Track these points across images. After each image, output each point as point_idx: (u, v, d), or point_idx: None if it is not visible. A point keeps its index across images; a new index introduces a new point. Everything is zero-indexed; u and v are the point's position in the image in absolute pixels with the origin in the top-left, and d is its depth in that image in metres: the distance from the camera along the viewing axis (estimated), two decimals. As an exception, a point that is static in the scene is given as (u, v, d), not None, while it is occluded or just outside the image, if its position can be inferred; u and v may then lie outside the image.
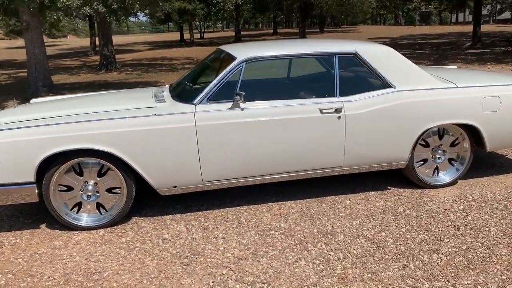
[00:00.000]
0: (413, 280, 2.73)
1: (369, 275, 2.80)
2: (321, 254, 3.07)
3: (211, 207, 3.90)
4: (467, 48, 19.33)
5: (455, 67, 5.63)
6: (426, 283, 2.70)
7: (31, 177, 3.31)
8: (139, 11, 20.91)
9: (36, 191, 3.38)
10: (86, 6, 14.95)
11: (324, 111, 3.64)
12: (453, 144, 4.08)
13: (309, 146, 3.68)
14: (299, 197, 4.02)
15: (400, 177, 4.24)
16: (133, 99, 3.97)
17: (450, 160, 4.13)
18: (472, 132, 4.01)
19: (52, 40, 55.00)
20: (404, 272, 2.82)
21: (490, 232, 3.27)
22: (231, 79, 3.62)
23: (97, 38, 22.92)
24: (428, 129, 3.87)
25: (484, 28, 29.46)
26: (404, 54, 4.06)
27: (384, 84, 3.81)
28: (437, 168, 4.12)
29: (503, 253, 2.98)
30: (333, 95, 3.73)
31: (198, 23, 37.09)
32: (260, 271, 2.88)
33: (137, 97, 4.05)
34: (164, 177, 3.54)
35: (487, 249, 3.04)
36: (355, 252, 3.08)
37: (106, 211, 3.60)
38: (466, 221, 3.45)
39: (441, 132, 4.01)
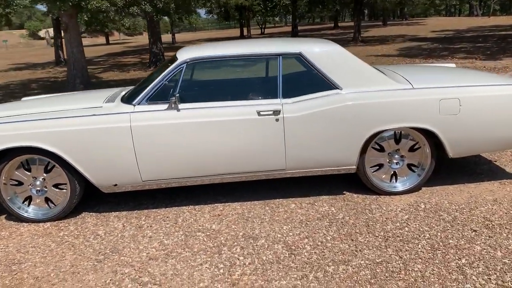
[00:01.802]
0: (303, 291, 2.64)
1: (262, 283, 2.74)
2: (230, 258, 3.05)
3: (159, 206, 3.99)
4: (535, 40, 17.73)
5: (454, 65, 5.22)
6: (314, 295, 2.60)
7: (-19, 172, 3.59)
8: (195, 9, 21.53)
9: (-11, 185, 3.65)
10: (134, 6, 15.65)
11: (262, 113, 3.58)
12: (412, 149, 3.83)
13: (247, 148, 3.63)
14: (248, 198, 4.00)
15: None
16: (88, 99, 4.14)
17: (410, 166, 3.88)
18: (432, 137, 3.73)
19: (126, 37, 58.13)
20: (298, 282, 2.72)
21: (418, 245, 3.05)
22: (172, 80, 3.67)
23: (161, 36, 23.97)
24: (378, 132, 3.66)
25: None
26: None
27: (330, 85, 3.66)
28: (395, 174, 3.89)
29: (416, 269, 2.77)
30: (276, 97, 3.66)
31: (259, 18, 37.30)
32: (159, 272, 2.92)
33: (94, 97, 4.21)
34: (104, 176, 3.67)
35: (402, 263, 2.85)
36: (264, 258, 3.02)
37: (55, 205, 3.81)
38: (400, 232, 3.24)
39: (397, 136, 3.78)
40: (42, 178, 3.74)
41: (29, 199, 3.80)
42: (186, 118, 3.56)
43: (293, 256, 3.03)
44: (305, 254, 3.04)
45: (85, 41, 55.31)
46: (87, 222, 3.75)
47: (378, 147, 3.80)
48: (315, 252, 3.05)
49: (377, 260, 2.90)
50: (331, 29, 35.85)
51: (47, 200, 3.80)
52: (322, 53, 3.73)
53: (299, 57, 3.71)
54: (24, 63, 25.79)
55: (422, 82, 3.75)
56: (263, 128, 3.60)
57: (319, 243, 3.17)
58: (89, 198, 4.14)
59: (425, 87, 3.66)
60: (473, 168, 4.40)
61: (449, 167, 4.41)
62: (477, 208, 3.54)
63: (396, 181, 3.91)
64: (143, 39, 53.69)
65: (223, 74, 4.53)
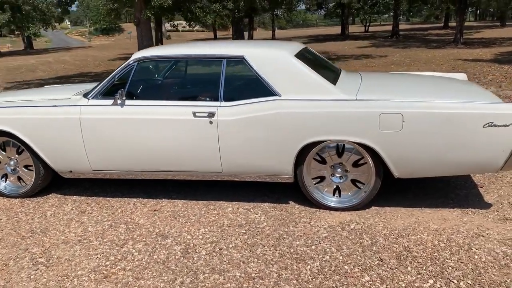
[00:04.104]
0: (158, 293, 2.67)
1: (131, 279, 2.82)
2: (126, 252, 3.17)
3: (116, 195, 4.23)
4: None
5: (464, 76, 4.65)
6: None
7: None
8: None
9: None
10: (216, 3, 16.29)
11: (197, 114, 3.62)
12: (357, 164, 3.58)
13: (183, 148, 3.70)
14: (196, 197, 4.06)
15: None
16: (65, 90, 4.52)
17: (355, 182, 3.63)
18: (375, 153, 3.45)
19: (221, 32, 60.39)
20: (162, 285, 2.76)
21: (307, 266, 2.87)
22: (124, 78, 3.88)
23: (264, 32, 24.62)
24: (314, 143, 3.48)
25: None
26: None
27: (270, 91, 3.56)
28: (338, 189, 3.67)
29: (281, 290, 2.64)
30: (216, 100, 3.67)
31: (363, 16, 36.12)
32: (58, 255, 3.16)
33: (71, 89, 4.57)
34: (60, 162, 4.01)
35: (273, 282, 2.72)
36: (155, 257, 3.09)
37: (26, 184, 4.25)
38: (302, 250, 3.07)
39: (340, 148, 3.56)
40: (16, 159, 4.19)
41: (5, 176, 4.28)
42: (127, 114, 3.74)
43: (182, 258, 3.05)
44: (195, 258, 3.05)
45: (202, 34, 58.53)
46: (47, 203, 4.13)
47: (319, 159, 3.61)
48: (205, 258, 3.04)
49: (252, 275, 2.81)
50: (440, 29, 33.45)
51: (19, 178, 4.25)
52: (264, 58, 3.64)
53: (242, 61, 3.67)
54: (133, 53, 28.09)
55: (368, 93, 3.48)
56: (197, 130, 3.63)
57: (217, 250, 3.14)
58: (67, 181, 4.50)
59: (366, 99, 3.39)
60: (449, 191, 3.96)
61: (423, 187, 4.02)
62: (408, 235, 3.21)
63: (339, 196, 3.68)
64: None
65: (174, 75, 4.61)
